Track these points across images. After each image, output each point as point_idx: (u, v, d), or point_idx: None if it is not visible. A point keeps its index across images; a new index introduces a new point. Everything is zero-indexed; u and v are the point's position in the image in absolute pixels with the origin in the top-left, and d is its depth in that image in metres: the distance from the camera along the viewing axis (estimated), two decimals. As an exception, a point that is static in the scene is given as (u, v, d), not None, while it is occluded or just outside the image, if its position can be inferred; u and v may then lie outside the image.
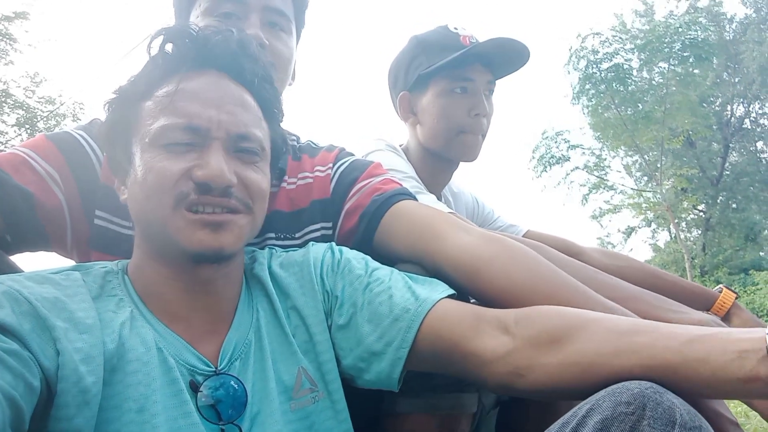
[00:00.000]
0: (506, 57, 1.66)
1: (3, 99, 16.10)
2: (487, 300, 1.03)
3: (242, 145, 0.91)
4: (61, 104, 16.90)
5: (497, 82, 1.73)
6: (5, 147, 15.34)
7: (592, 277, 1.13)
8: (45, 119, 16.67)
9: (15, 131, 16.44)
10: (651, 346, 0.72)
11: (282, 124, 1.07)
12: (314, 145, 1.40)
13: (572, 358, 0.78)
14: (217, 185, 0.86)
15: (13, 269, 1.00)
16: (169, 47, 0.93)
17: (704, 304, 1.54)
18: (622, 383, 0.69)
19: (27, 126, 16.35)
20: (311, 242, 1.12)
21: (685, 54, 15.15)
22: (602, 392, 0.69)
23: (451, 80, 1.64)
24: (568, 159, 17.98)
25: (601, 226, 22.39)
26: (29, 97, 16.66)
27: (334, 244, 1.10)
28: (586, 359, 0.77)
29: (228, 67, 0.95)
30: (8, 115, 16.38)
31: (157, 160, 0.87)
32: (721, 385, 0.68)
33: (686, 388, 0.68)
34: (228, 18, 1.26)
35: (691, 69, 15.53)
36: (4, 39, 15.67)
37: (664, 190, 16.55)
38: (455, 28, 1.66)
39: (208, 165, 0.86)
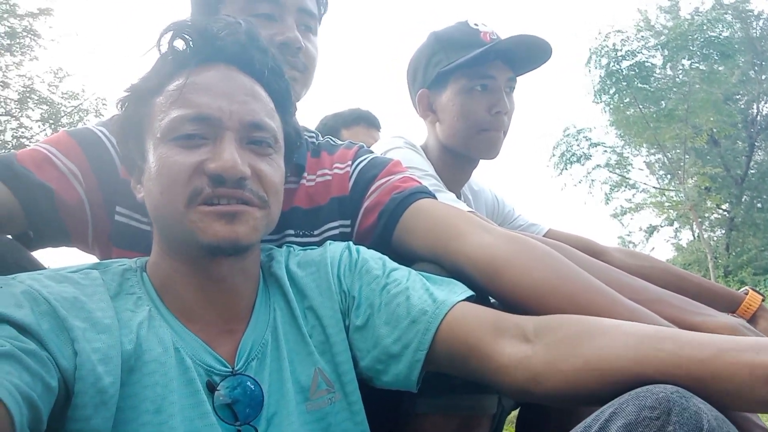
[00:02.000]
0: (528, 54, 1.64)
1: (28, 95, 16.34)
2: (507, 301, 1.02)
3: (255, 135, 0.91)
4: (84, 99, 17.13)
5: (518, 78, 1.71)
6: (29, 142, 15.65)
7: (615, 278, 1.11)
8: (68, 114, 16.89)
9: (39, 126, 16.70)
10: (675, 355, 0.69)
11: (295, 117, 1.07)
12: (333, 143, 1.40)
13: (592, 364, 0.76)
14: (231, 176, 0.85)
15: (35, 265, 1.01)
16: (179, 43, 0.92)
17: (730, 306, 1.51)
18: (647, 387, 0.66)
19: (51, 121, 16.58)
20: (329, 241, 1.11)
21: (708, 51, 14.92)
22: (626, 396, 0.67)
23: (471, 78, 1.62)
24: (589, 157, 17.79)
25: (623, 224, 22.17)
26: (53, 93, 16.89)
27: (351, 243, 1.09)
28: (607, 365, 0.74)
29: (237, 60, 0.94)
30: (33, 111, 16.64)
31: (170, 155, 0.86)
32: (745, 403, 0.66)
33: (709, 400, 0.65)
34: (268, 20, 1.26)
35: (715, 66, 15.28)
36: (29, 35, 15.90)
37: (687, 189, 16.30)
38: (475, 24, 1.64)
39: (220, 157, 0.85)
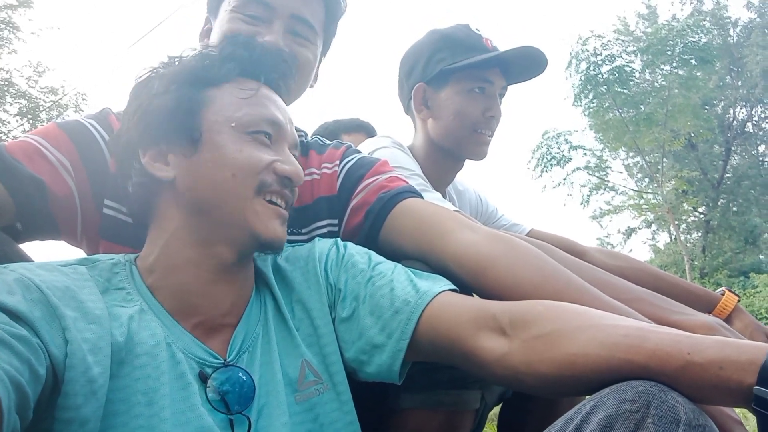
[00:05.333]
0: (525, 66, 1.69)
1: (5, 88, 16.05)
2: (491, 299, 1.02)
3: (294, 153, 1.03)
4: (64, 95, 16.86)
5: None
6: (7, 137, 15.35)
7: (597, 277, 1.13)
8: (47, 110, 16.62)
9: (17, 121, 16.41)
10: (648, 357, 0.70)
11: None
12: (321, 142, 1.40)
13: (566, 368, 0.77)
14: (297, 182, 0.98)
15: (23, 258, 1.00)
16: (243, 53, 1.00)
17: (706, 306, 1.54)
18: (627, 381, 0.68)
19: (29, 116, 16.30)
20: (317, 238, 1.13)
21: (687, 57, 15.12)
22: (606, 390, 0.69)
23: (472, 80, 1.66)
24: (569, 160, 17.93)
25: (601, 226, 22.41)
26: (32, 87, 16.61)
27: (339, 239, 1.11)
28: (580, 369, 0.75)
29: (278, 89, 1.05)
30: (10, 105, 16.35)
31: (248, 147, 0.94)
32: (717, 397, 0.68)
33: (687, 394, 0.67)
34: (254, 20, 1.27)
35: (693, 72, 15.50)
36: (7, 27, 15.63)
37: (664, 192, 16.52)
38: (477, 30, 1.69)
39: (292, 163, 0.97)
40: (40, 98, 16.72)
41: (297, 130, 1.38)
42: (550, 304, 0.87)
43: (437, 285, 0.98)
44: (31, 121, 16.20)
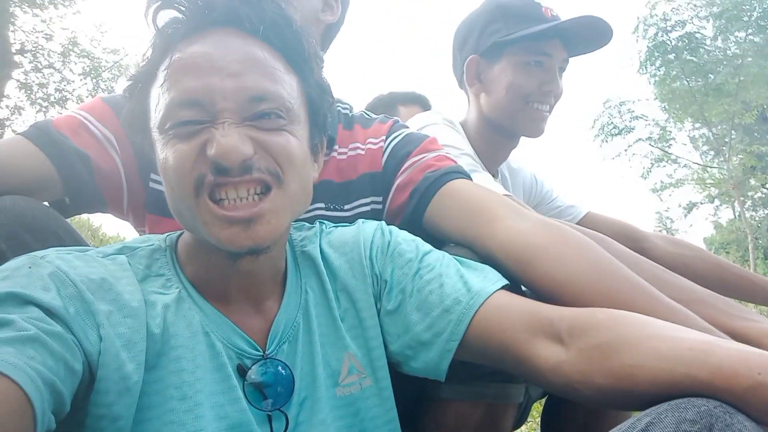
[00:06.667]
0: (587, 37, 1.58)
1: (70, 48, 16.50)
2: (540, 292, 0.98)
3: (259, 109, 0.81)
4: (126, 55, 17.22)
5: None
6: (71, 96, 15.81)
7: (657, 275, 1.06)
8: (109, 69, 17.02)
9: (81, 80, 16.89)
10: (717, 370, 0.65)
11: (319, 70, 0.94)
12: (368, 116, 1.37)
13: (624, 381, 0.72)
14: (232, 162, 0.77)
15: (71, 234, 1.02)
16: (168, 14, 0.84)
17: None
18: (688, 398, 0.63)
19: (92, 75, 16.75)
20: (361, 220, 1.08)
21: (764, 23, 14.28)
22: (665, 405, 0.64)
23: (529, 52, 1.57)
24: (631, 130, 17.34)
25: (661, 200, 21.68)
26: (95, 48, 17.03)
27: (384, 223, 1.06)
28: (639, 382, 0.71)
29: (230, 21, 0.84)
30: (75, 65, 16.82)
31: (171, 145, 0.80)
32: None
33: (755, 418, 0.62)
34: None
35: (771, 39, 14.65)
36: (73, -13, 15.97)
37: (731, 167, 15.84)
38: None
39: (218, 141, 0.77)
40: (102, 58, 17.13)
41: (340, 103, 1.34)
42: (612, 312, 0.81)
43: (489, 282, 0.92)
44: (94, 80, 16.65)
